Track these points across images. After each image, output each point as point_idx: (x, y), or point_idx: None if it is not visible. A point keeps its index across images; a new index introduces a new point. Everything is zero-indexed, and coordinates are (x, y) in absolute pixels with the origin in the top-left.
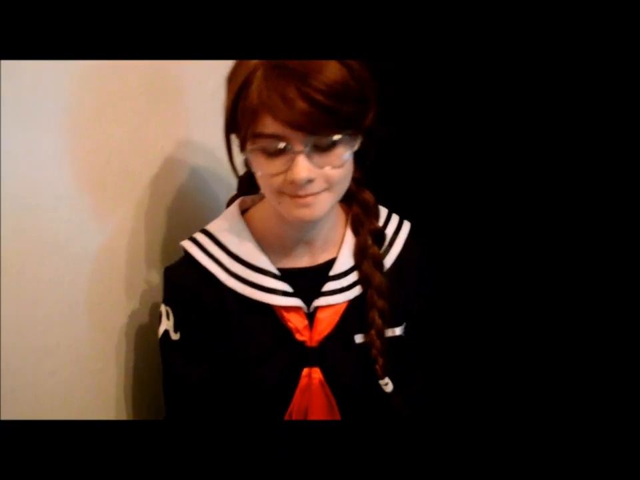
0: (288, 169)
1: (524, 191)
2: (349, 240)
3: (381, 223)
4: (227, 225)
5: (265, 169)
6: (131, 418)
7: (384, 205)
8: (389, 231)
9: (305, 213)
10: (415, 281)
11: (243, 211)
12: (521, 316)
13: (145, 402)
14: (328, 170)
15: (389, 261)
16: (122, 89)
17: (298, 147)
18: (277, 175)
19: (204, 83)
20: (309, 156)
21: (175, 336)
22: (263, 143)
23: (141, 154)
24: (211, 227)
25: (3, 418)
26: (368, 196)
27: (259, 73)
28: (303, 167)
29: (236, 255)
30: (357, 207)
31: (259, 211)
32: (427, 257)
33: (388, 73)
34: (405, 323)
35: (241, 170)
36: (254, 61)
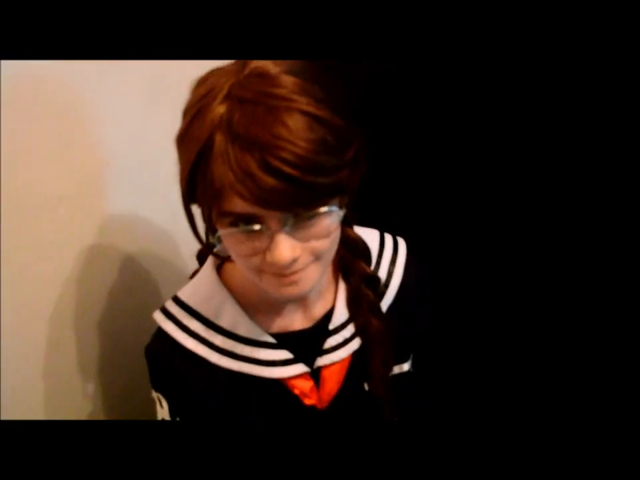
0: (267, 248)
1: (524, 191)
2: (343, 287)
3: (374, 256)
4: (204, 293)
5: (241, 252)
6: (131, 418)
7: (380, 206)
8: (385, 262)
9: (291, 291)
10: (417, 314)
11: (219, 266)
12: (520, 316)
13: (145, 402)
14: (314, 242)
15: (389, 297)
16: (122, 88)
17: (275, 226)
18: (256, 255)
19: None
20: (290, 233)
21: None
22: (234, 223)
23: (141, 154)
24: (184, 294)
25: (2, 418)
26: (353, 235)
27: (217, 141)
28: (285, 247)
29: (222, 328)
30: (344, 249)
31: (237, 271)
32: (427, 276)
33: (388, 73)
34: (411, 356)
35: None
36: (208, 121)
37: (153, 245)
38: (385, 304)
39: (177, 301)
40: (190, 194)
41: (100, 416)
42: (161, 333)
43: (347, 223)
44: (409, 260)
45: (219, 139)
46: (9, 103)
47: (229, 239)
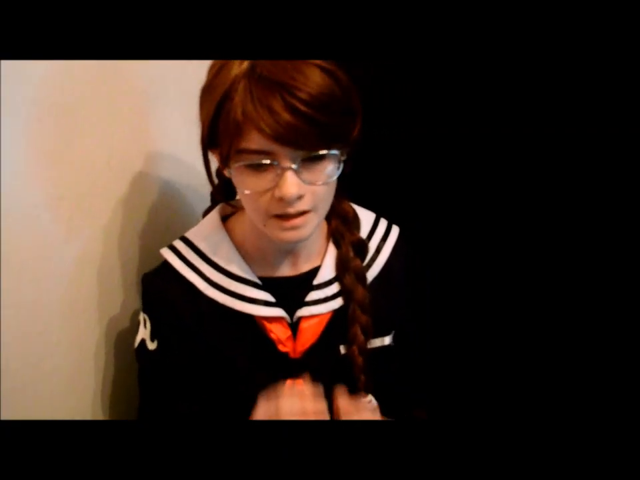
0: (276, 185)
1: (524, 191)
2: (332, 251)
3: (365, 231)
4: (206, 232)
5: (251, 186)
6: (131, 418)
7: (380, 206)
8: (376, 239)
9: (291, 235)
10: (403, 287)
11: (224, 218)
12: (519, 317)
13: None
14: (316, 187)
15: (375, 270)
16: (122, 88)
17: (286, 162)
18: (264, 192)
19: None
20: (297, 172)
21: (151, 345)
22: (249, 158)
23: (141, 154)
24: (190, 234)
25: (2, 418)
26: (347, 207)
27: (240, 86)
28: (292, 183)
29: (215, 263)
30: (337, 219)
31: (240, 221)
32: (416, 262)
33: (388, 73)
34: (393, 332)
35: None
36: (233, 72)
37: (153, 245)
38: (370, 276)
39: (183, 239)
40: (210, 136)
41: (100, 416)
42: (163, 263)
43: (343, 196)
44: (400, 242)
45: (243, 81)
46: (9, 103)
47: (242, 174)
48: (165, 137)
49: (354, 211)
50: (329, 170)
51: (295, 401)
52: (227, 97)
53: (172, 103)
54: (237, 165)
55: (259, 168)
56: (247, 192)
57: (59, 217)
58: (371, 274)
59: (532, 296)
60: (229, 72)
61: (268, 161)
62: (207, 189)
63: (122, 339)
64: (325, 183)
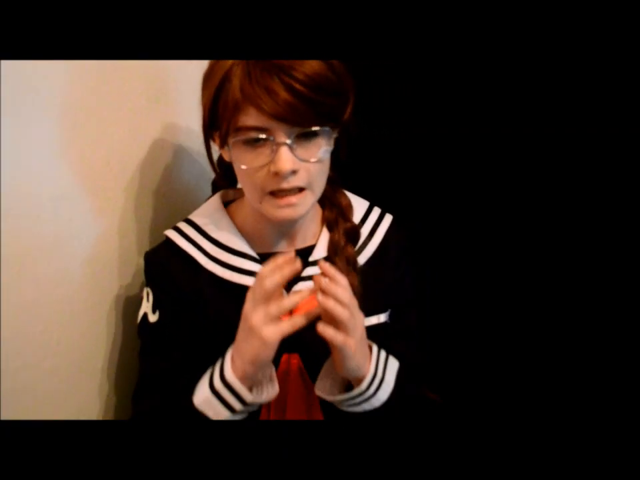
0: (271, 161)
1: (524, 191)
2: (326, 233)
3: (358, 217)
4: (208, 213)
5: (247, 162)
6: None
7: (380, 205)
8: (369, 224)
9: (287, 213)
10: (396, 268)
11: (225, 204)
12: (519, 314)
13: None
14: (309, 164)
15: (368, 252)
16: (122, 88)
17: (281, 138)
18: (260, 168)
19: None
20: (291, 148)
21: (152, 317)
22: (246, 134)
23: (141, 154)
24: (193, 215)
25: (2, 418)
26: (341, 196)
27: (239, 69)
28: (287, 158)
29: (216, 239)
30: (331, 207)
31: (240, 206)
32: (410, 246)
33: (388, 73)
34: (389, 310)
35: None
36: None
37: (153, 245)
38: (364, 257)
39: (187, 220)
40: (211, 119)
41: (100, 416)
42: (166, 241)
43: (338, 186)
44: (393, 227)
45: (241, 65)
46: (9, 103)
47: (239, 152)
48: (165, 137)
49: (348, 200)
50: (322, 148)
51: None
52: (225, 79)
53: (172, 103)
54: (234, 140)
55: (255, 144)
56: (243, 167)
57: (59, 217)
58: (364, 256)
59: (532, 295)
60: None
61: (264, 136)
62: (207, 189)
63: (122, 339)
64: (319, 161)
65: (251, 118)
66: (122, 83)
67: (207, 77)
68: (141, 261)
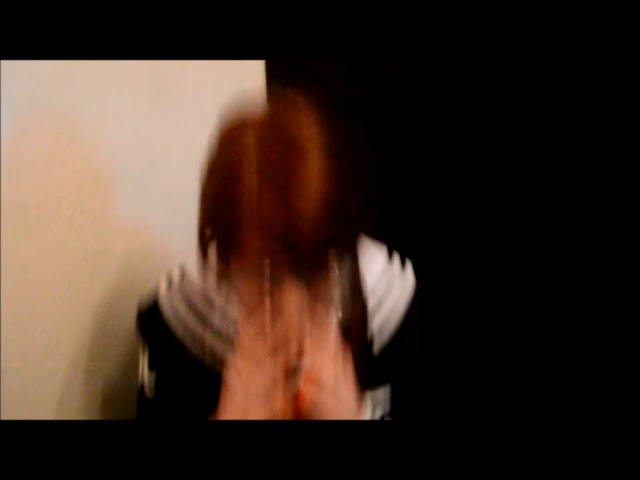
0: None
1: (523, 191)
2: None
3: (378, 293)
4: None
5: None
6: (130, 418)
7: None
8: (389, 302)
9: None
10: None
11: None
12: (519, 319)
13: None
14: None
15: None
16: (122, 89)
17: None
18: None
19: (204, 83)
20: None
21: (149, 389)
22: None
23: (141, 154)
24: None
25: (2, 418)
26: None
27: (244, 173)
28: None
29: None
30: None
31: None
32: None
33: (387, 73)
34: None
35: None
36: (236, 153)
37: (153, 245)
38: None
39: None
40: (208, 221)
41: (100, 416)
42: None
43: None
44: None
45: (246, 168)
46: (9, 103)
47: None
48: (166, 137)
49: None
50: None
51: None
52: (230, 183)
53: (172, 103)
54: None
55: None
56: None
57: (59, 217)
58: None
59: (532, 296)
60: (234, 150)
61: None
62: None
63: (122, 339)
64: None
65: (253, 240)
66: (122, 83)
67: (209, 169)
68: (141, 261)
